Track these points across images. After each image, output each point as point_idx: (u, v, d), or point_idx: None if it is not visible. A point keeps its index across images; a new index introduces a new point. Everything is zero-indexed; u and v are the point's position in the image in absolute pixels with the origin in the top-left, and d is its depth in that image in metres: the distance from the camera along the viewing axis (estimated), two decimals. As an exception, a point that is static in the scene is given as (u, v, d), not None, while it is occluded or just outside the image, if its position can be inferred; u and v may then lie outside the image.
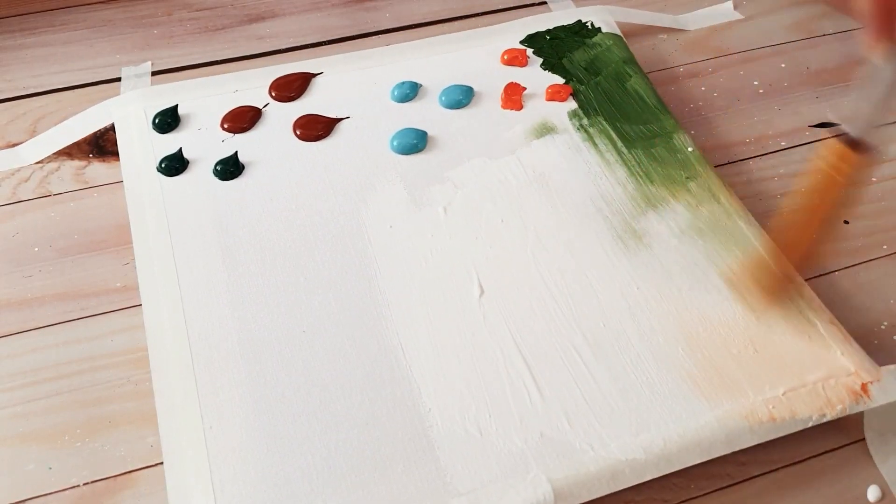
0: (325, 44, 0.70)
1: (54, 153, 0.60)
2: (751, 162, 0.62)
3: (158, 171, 0.57)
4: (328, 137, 0.59)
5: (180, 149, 0.58)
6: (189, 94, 0.62)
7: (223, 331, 0.48)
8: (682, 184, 0.56)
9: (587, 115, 0.61)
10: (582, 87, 0.63)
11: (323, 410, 0.45)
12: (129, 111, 0.61)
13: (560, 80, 0.63)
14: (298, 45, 0.70)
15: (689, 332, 0.48)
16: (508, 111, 0.61)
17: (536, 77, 0.64)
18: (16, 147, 0.61)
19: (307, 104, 0.61)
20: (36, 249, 0.55)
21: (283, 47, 0.70)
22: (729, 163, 0.61)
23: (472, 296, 0.50)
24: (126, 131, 0.60)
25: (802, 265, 0.51)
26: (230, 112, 0.60)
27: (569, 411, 0.45)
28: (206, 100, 0.61)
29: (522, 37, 0.67)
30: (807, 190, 0.49)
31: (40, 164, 0.60)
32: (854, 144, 0.45)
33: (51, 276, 0.53)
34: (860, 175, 0.47)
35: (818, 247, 0.50)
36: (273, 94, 0.62)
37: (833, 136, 0.46)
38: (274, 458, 0.43)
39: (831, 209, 0.49)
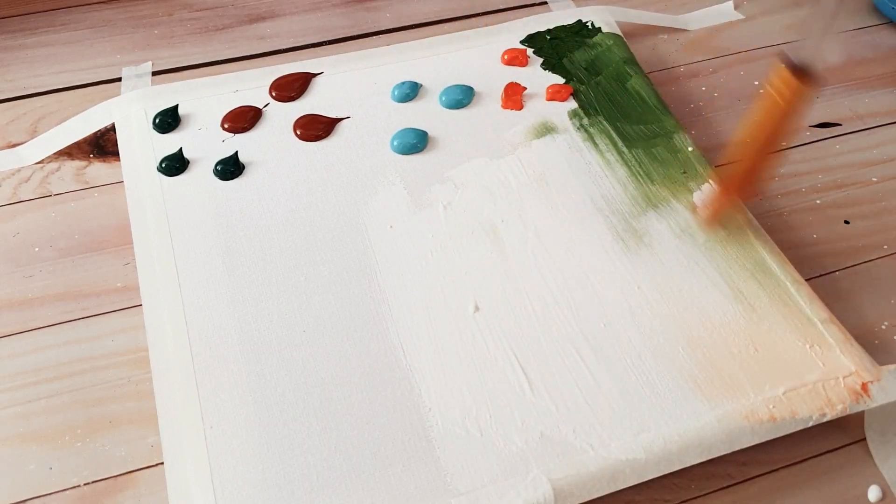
0: (326, 44, 0.70)
1: (55, 153, 0.60)
2: (751, 162, 0.62)
3: (159, 170, 0.57)
4: (328, 137, 0.59)
5: (180, 149, 0.58)
6: (189, 94, 0.62)
7: (223, 330, 0.48)
8: (682, 183, 0.56)
9: (587, 114, 0.61)
10: (582, 87, 0.63)
11: (323, 410, 0.45)
12: (129, 111, 0.61)
13: (560, 80, 0.63)
14: (299, 45, 0.70)
15: (689, 331, 0.48)
16: (509, 111, 0.61)
17: (537, 77, 0.64)
18: (16, 147, 0.61)
19: (307, 104, 0.61)
20: (37, 249, 0.55)
21: (284, 47, 0.70)
22: (729, 163, 0.61)
23: (473, 296, 0.50)
24: (126, 131, 0.60)
25: (743, 190, 0.54)
26: (230, 112, 0.60)
27: (569, 411, 0.45)
28: (206, 100, 0.61)
29: (523, 36, 0.67)
30: (754, 116, 0.50)
31: (41, 165, 0.60)
32: (797, 71, 0.47)
33: (51, 277, 0.53)
34: (802, 102, 0.48)
35: (759, 173, 0.53)
36: (273, 94, 0.62)
37: (780, 63, 0.48)
38: (274, 458, 0.43)
39: (773, 134, 0.50)
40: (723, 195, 0.54)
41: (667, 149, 0.58)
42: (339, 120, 0.60)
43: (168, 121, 0.60)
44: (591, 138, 0.59)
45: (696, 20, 0.73)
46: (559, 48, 0.66)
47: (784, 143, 0.52)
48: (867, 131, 0.64)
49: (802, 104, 0.48)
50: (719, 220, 0.53)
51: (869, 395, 0.45)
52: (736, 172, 0.53)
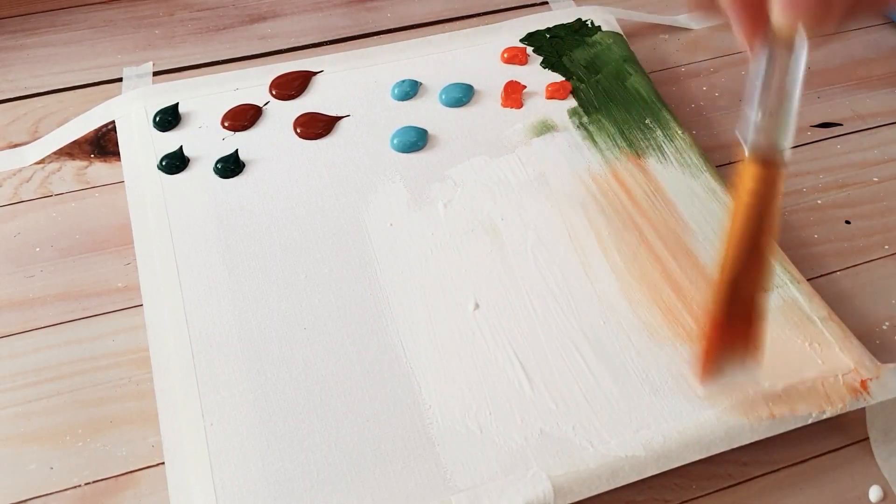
0: (327, 44, 0.70)
1: (56, 153, 0.60)
2: (752, 161, 0.61)
3: (159, 168, 0.57)
4: (328, 136, 0.59)
5: (181, 147, 0.58)
6: (190, 92, 0.62)
7: (224, 329, 0.48)
8: (682, 182, 0.56)
9: (587, 112, 0.61)
10: (582, 86, 0.63)
11: (323, 407, 0.45)
12: (129, 109, 0.61)
13: (560, 79, 0.63)
14: (300, 45, 0.70)
15: (689, 329, 0.48)
16: (508, 109, 0.61)
17: (536, 75, 0.64)
18: (17, 147, 0.61)
19: (308, 102, 0.61)
20: (37, 249, 0.55)
21: (285, 47, 0.70)
22: (730, 163, 0.61)
23: (472, 294, 0.50)
24: (127, 129, 0.60)
25: (739, 308, 0.42)
26: (231, 110, 0.60)
27: (569, 409, 0.45)
28: (206, 98, 0.62)
29: (522, 35, 0.67)
30: (730, 221, 0.41)
31: (41, 165, 0.60)
32: (758, 159, 0.39)
33: (52, 277, 0.53)
34: (770, 190, 0.39)
35: (755, 283, 0.42)
36: (273, 93, 0.62)
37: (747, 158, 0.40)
38: (274, 455, 0.43)
39: (751, 235, 0.40)
40: (718, 342, 0.43)
41: (667, 148, 0.58)
42: (340, 118, 0.60)
43: (168, 119, 0.60)
44: (590, 136, 0.59)
45: (697, 20, 0.73)
46: (559, 46, 0.66)
47: (768, 248, 0.41)
48: (868, 131, 0.64)
49: (771, 192, 0.39)
50: (721, 368, 0.43)
51: (868, 393, 0.45)
52: (724, 304, 0.41)
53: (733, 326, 0.42)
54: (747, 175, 0.39)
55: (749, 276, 0.41)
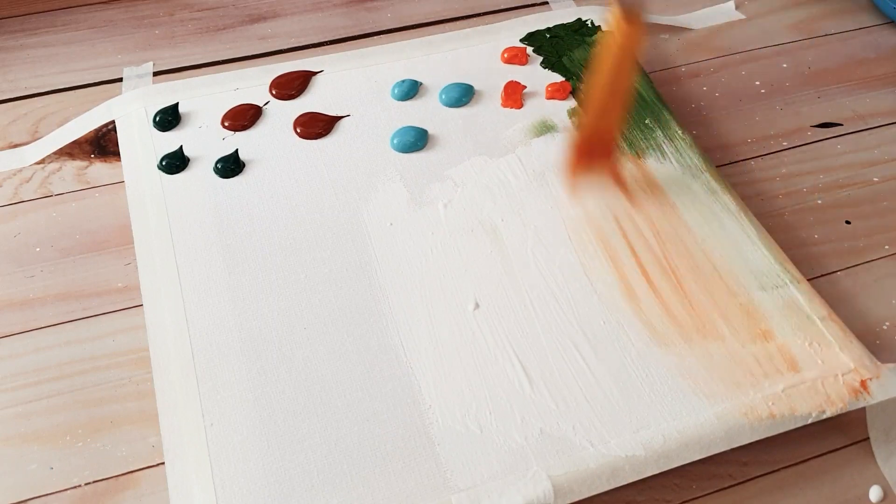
0: (327, 44, 0.70)
1: (56, 153, 0.60)
2: (752, 162, 0.61)
3: (159, 168, 0.57)
4: (329, 135, 0.59)
5: (181, 147, 0.58)
6: (190, 92, 0.62)
7: (224, 329, 0.48)
8: (682, 182, 0.56)
9: (588, 113, 0.61)
10: (582, 86, 0.63)
11: (323, 407, 0.45)
12: (129, 109, 0.61)
13: (560, 79, 0.63)
14: (300, 45, 0.70)
15: (688, 329, 0.48)
16: (508, 109, 0.61)
17: (536, 75, 0.64)
18: (17, 147, 0.61)
19: (308, 102, 0.61)
20: (38, 249, 0.55)
21: (285, 47, 0.70)
22: (730, 163, 0.61)
23: (472, 294, 0.50)
24: (127, 129, 0.60)
25: (597, 149, 0.54)
26: (231, 110, 0.60)
27: (569, 408, 0.45)
28: (206, 98, 0.62)
29: (522, 35, 0.67)
30: (598, 62, 0.51)
31: (42, 165, 0.60)
32: (627, 13, 0.48)
33: (53, 277, 0.54)
34: (631, 45, 0.49)
35: (609, 127, 0.53)
36: (273, 93, 0.62)
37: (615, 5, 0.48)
38: (274, 455, 0.43)
39: (612, 82, 0.51)
40: (578, 158, 0.54)
41: (667, 148, 0.58)
42: (340, 118, 0.60)
43: (168, 119, 0.60)
44: (591, 137, 0.59)
45: (698, 20, 0.73)
46: (559, 46, 0.66)
47: (627, 92, 0.52)
48: (868, 131, 0.64)
49: (632, 48, 0.49)
50: (580, 180, 0.55)
51: (868, 392, 0.45)
52: (586, 130, 0.54)
53: (594, 152, 0.54)
54: (616, 30, 0.48)
55: (608, 116, 0.52)
